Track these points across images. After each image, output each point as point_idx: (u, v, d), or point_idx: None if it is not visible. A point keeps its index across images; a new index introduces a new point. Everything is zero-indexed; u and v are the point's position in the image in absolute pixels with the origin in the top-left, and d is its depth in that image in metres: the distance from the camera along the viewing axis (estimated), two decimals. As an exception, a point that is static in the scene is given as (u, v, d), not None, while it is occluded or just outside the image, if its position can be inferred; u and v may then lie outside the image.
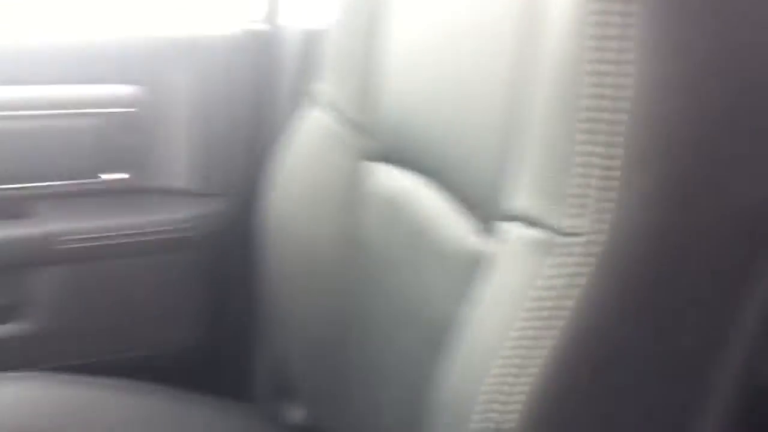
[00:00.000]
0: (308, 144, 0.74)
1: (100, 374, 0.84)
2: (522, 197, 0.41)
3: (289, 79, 0.97)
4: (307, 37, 0.94)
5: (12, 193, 0.95)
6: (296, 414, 0.96)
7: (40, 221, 0.94)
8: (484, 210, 0.46)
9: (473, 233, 0.47)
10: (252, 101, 1.03)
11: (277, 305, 0.83)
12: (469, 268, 0.45)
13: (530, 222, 0.40)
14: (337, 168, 0.69)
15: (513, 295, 0.40)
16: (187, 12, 1.10)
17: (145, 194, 1.03)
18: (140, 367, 0.86)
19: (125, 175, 1.02)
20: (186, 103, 1.01)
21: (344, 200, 0.68)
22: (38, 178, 0.97)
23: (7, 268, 0.94)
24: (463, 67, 0.50)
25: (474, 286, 0.43)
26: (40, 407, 0.81)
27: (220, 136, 1.02)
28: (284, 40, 1.01)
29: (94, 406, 0.82)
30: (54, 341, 0.98)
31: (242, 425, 0.88)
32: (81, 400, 0.83)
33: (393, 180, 0.62)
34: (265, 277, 0.83)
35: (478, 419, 0.37)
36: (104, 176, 1.00)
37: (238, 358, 1.13)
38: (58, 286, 0.96)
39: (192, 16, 1.08)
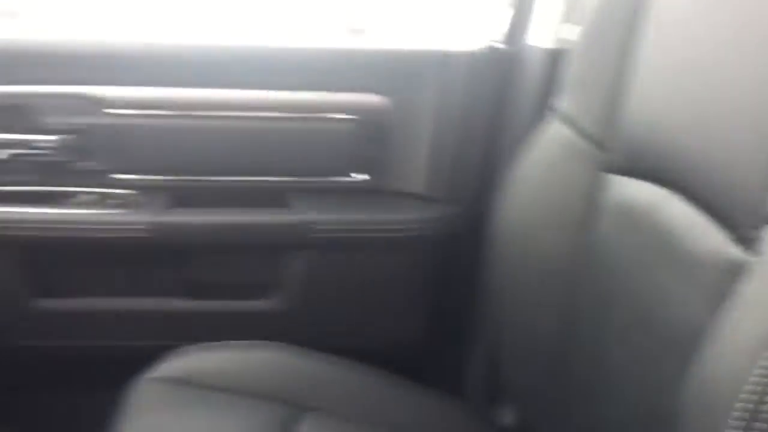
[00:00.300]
0: (546, 156, 0.77)
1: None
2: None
3: (528, 95, 1.01)
4: (549, 57, 0.98)
5: (276, 184, 1.10)
6: (507, 416, 1.00)
7: (298, 211, 1.08)
8: (741, 220, 0.47)
9: (725, 242, 0.48)
10: (489, 115, 1.08)
11: (499, 309, 0.87)
12: (721, 275, 0.46)
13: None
14: (575, 179, 0.72)
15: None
16: (433, 29, 1.19)
17: (382, 194, 1.13)
18: (361, 354, 0.94)
19: (366, 177, 1.13)
20: (428, 114, 1.09)
21: (579, 210, 0.70)
22: (297, 173, 1.11)
23: (268, 249, 1.09)
24: (732, 80, 0.51)
25: (726, 292, 0.44)
26: (280, 372, 0.93)
27: (458, 147, 1.09)
28: (524, 59, 1.05)
29: (324, 378, 0.92)
30: (296, 318, 1.11)
31: (454, 420, 0.93)
32: (314, 371, 0.93)
33: (631, 191, 0.64)
34: (489, 280, 0.87)
35: (736, 425, 0.38)
36: (352, 176, 1.12)
37: (453, 356, 1.19)
38: (307, 270, 1.09)
39: (437, 32, 1.17)
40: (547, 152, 0.78)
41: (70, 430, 1.14)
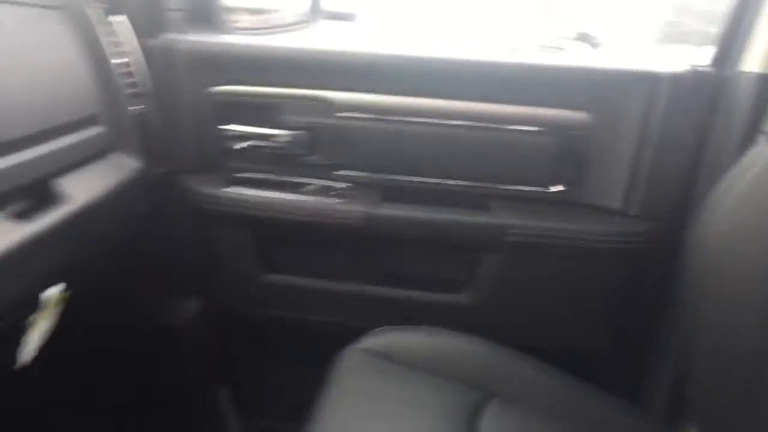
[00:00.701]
0: (756, 176, 0.79)
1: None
2: None
3: (737, 118, 1.02)
4: (760, 82, 0.98)
5: (479, 189, 1.19)
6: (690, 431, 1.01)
7: (496, 215, 1.16)
8: None
9: None
10: (692, 135, 1.10)
11: (692, 324, 0.89)
12: None
13: None
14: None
15: None
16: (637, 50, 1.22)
17: (578, 206, 1.18)
18: (543, 354, 0.99)
19: (563, 188, 1.18)
20: (630, 132, 1.13)
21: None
22: (499, 181, 1.19)
23: (466, 247, 1.18)
24: None
25: None
26: (470, 358, 1.01)
27: (657, 165, 1.12)
28: (733, 83, 1.05)
29: (510, 369, 0.99)
30: (485, 313, 1.19)
31: (634, 427, 0.96)
32: (501, 361, 1.01)
33: None
34: (682, 296, 0.89)
35: None
36: (550, 187, 1.18)
37: (633, 367, 1.21)
38: (500, 270, 1.17)
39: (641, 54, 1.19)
40: (757, 173, 0.80)
41: (281, 395, 1.30)
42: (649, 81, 1.11)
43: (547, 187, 1.18)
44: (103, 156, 1.01)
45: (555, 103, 1.16)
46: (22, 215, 0.77)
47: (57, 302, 0.84)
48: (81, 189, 0.90)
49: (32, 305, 0.81)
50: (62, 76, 0.94)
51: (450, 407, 0.92)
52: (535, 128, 1.16)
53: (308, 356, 1.10)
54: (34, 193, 0.82)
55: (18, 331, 0.79)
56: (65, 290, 0.86)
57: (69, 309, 0.88)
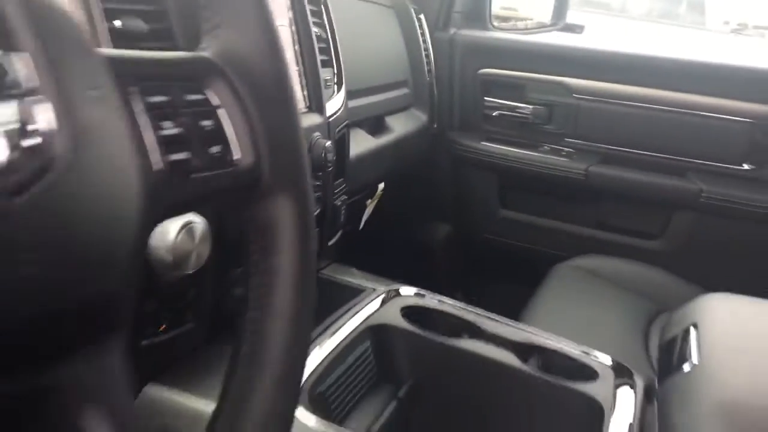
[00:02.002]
0: None
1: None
2: None
3: None
4: None
5: (680, 162, 1.49)
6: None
7: (691, 181, 1.47)
8: None
9: None
10: None
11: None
12: None
13: None
14: None
15: None
16: None
17: (761, 182, 1.44)
18: None
19: (753, 166, 1.46)
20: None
21: None
22: (697, 157, 1.49)
23: (664, 205, 1.50)
24: None
25: None
26: (652, 281, 1.35)
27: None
28: None
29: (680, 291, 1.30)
30: (673, 260, 1.49)
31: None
32: (676, 286, 1.33)
33: None
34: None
35: None
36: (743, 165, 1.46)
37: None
38: (689, 226, 1.48)
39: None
40: None
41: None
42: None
43: (739, 164, 1.47)
44: (406, 109, 1.48)
45: (749, 98, 1.44)
46: (374, 133, 1.25)
47: (380, 194, 1.33)
48: (398, 125, 1.37)
49: (372, 191, 1.29)
50: (391, 53, 1.43)
51: (632, 313, 1.26)
52: (732, 117, 1.45)
53: (525, 277, 1.49)
54: (375, 124, 1.31)
55: (362, 206, 1.27)
56: (383, 188, 1.34)
57: (379, 201, 1.36)
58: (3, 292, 0.25)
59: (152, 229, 0.36)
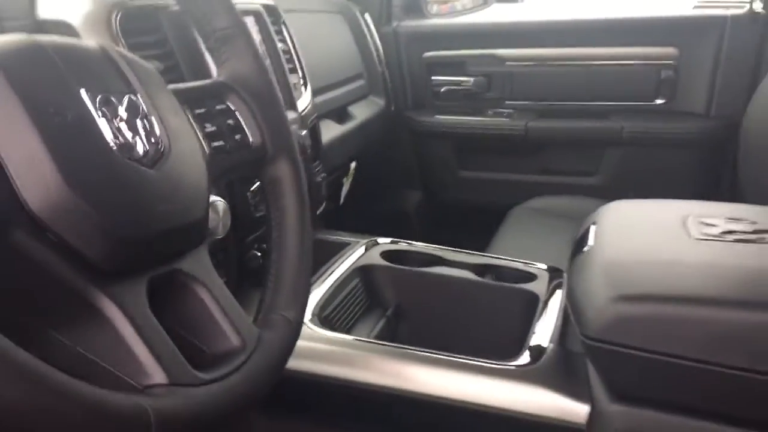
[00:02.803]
0: None
1: None
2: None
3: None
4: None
5: (603, 107, 1.74)
6: None
7: (614, 121, 1.72)
8: None
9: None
10: (751, 56, 1.59)
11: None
12: None
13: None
14: None
15: None
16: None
17: (673, 113, 1.70)
18: None
19: (663, 101, 1.71)
20: (708, 60, 1.63)
21: None
22: (616, 99, 1.74)
23: (594, 145, 1.75)
24: None
25: None
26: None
27: (727, 78, 1.61)
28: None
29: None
30: (609, 191, 1.75)
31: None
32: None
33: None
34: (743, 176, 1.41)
35: None
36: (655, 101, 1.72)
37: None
38: (619, 160, 1.73)
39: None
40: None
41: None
42: (718, 22, 1.62)
43: (652, 100, 1.72)
44: (365, 97, 1.72)
45: (654, 43, 1.69)
46: (340, 121, 1.49)
47: (353, 171, 1.57)
48: (359, 112, 1.61)
49: (346, 170, 1.53)
50: (344, 52, 1.66)
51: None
52: (642, 61, 1.70)
53: (487, 224, 1.72)
54: (339, 114, 1.54)
55: (339, 183, 1.51)
56: (355, 166, 1.58)
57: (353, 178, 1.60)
58: (150, 219, 0.49)
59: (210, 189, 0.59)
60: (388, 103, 1.82)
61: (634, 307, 0.76)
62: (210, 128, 0.60)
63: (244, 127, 0.63)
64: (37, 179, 0.43)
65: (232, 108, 0.63)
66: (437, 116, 1.86)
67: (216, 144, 0.60)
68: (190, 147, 0.55)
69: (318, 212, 1.21)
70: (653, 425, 0.78)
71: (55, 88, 0.46)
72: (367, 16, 1.82)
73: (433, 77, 1.86)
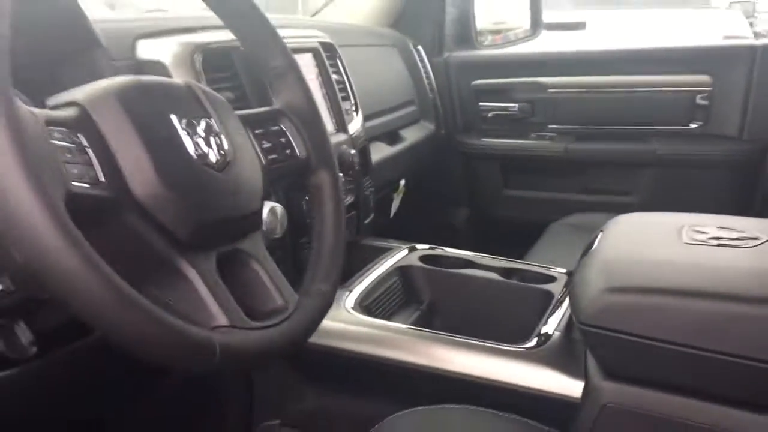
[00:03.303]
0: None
1: None
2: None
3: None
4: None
5: (640, 130, 1.86)
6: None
7: (650, 143, 1.83)
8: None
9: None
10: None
11: None
12: None
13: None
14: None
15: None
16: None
17: (708, 137, 1.80)
18: None
19: (699, 124, 1.81)
20: (740, 86, 1.73)
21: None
22: (652, 123, 1.85)
23: (630, 166, 1.87)
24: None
25: None
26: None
27: (759, 103, 1.71)
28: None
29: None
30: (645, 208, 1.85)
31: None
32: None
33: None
34: None
35: None
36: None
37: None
38: (653, 180, 1.84)
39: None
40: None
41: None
42: (750, 51, 1.72)
43: (687, 124, 1.82)
44: (416, 122, 1.89)
45: (688, 71, 1.80)
46: (391, 143, 1.67)
47: (403, 188, 1.74)
48: (410, 135, 1.78)
49: (395, 186, 1.70)
50: (397, 80, 1.84)
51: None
52: (678, 88, 1.81)
53: (528, 239, 1.85)
54: (391, 136, 1.72)
55: (390, 198, 1.68)
56: (405, 183, 1.75)
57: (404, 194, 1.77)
58: (218, 209, 0.67)
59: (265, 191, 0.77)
60: (438, 127, 1.98)
61: (623, 297, 0.90)
62: (266, 144, 0.78)
63: (293, 144, 0.81)
64: (142, 178, 0.61)
65: (284, 129, 0.81)
66: (484, 139, 2.02)
67: (270, 156, 0.78)
68: (249, 158, 0.72)
69: (366, 221, 1.38)
70: (638, 399, 0.90)
71: (154, 114, 0.65)
72: (420, 48, 2.00)
73: (480, 103, 2.02)
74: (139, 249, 0.62)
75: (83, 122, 0.60)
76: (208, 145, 0.67)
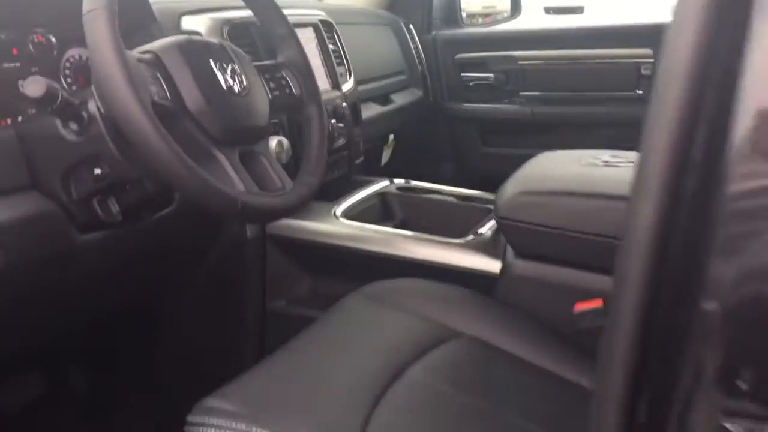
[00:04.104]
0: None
1: None
2: None
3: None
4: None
5: (592, 95, 2.20)
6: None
7: (603, 106, 2.17)
8: None
9: None
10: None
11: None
12: None
13: None
14: None
15: None
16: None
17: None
18: None
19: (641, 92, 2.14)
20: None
21: None
22: (605, 90, 2.19)
23: (586, 127, 2.22)
24: None
25: None
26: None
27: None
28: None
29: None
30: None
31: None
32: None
33: None
34: None
35: None
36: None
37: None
38: (608, 138, 2.18)
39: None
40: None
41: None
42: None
43: (634, 91, 2.16)
44: (406, 88, 2.25)
45: (635, 45, 2.13)
46: (382, 104, 2.03)
47: (392, 142, 2.10)
48: (399, 99, 2.15)
49: (385, 140, 2.07)
50: (389, 53, 2.20)
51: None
52: (625, 60, 2.15)
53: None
54: (382, 99, 2.08)
55: (380, 150, 2.04)
56: (393, 138, 2.11)
57: (394, 150, 2.13)
58: (240, 121, 1.03)
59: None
60: (426, 94, 2.34)
61: (529, 198, 1.26)
62: (272, 85, 1.15)
63: (291, 86, 1.18)
64: (192, 98, 0.97)
65: (285, 76, 1.18)
66: (465, 104, 2.38)
67: (275, 93, 1.15)
68: (260, 91, 1.09)
69: (357, 162, 1.75)
70: (539, 271, 1.26)
71: (200, 59, 1.02)
72: (411, 27, 2.35)
73: (462, 74, 2.38)
74: (189, 142, 0.98)
75: (157, 63, 0.97)
76: (233, 80, 1.04)
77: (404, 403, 0.97)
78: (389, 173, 2.09)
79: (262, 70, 1.15)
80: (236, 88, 1.04)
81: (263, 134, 1.10)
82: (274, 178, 1.07)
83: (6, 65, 1.07)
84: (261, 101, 1.09)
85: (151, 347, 1.56)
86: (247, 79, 1.07)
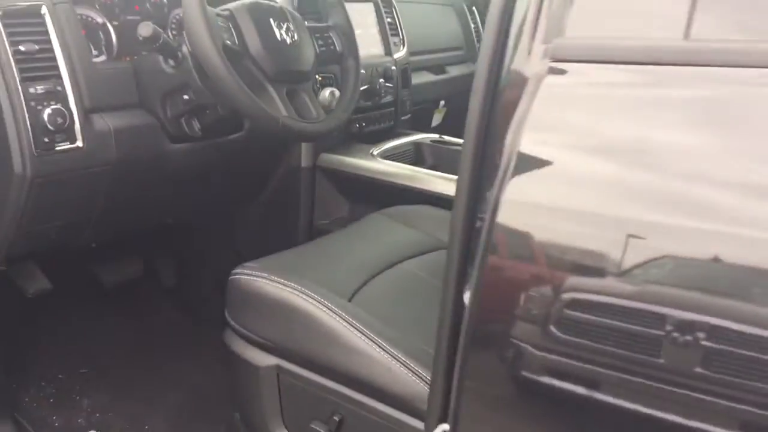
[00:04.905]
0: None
1: None
2: None
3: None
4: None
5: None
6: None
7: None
8: None
9: None
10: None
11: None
12: None
13: None
14: None
15: None
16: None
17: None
18: None
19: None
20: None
21: None
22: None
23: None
24: None
25: None
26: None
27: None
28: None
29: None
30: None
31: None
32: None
33: None
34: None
35: None
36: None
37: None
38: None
39: None
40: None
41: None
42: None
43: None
44: (462, 63, 2.55)
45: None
46: (436, 74, 2.35)
47: (443, 107, 2.41)
48: (454, 70, 2.45)
49: (436, 104, 2.38)
50: (448, 30, 2.51)
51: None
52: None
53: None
54: (436, 69, 2.39)
55: (431, 112, 2.36)
56: (444, 104, 2.42)
57: (445, 114, 2.44)
58: (291, 64, 1.39)
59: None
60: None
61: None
62: (321, 42, 1.50)
63: (336, 44, 1.53)
64: (254, 45, 1.34)
65: (331, 35, 1.53)
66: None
67: (321, 48, 1.50)
68: (308, 45, 1.44)
69: (403, 118, 2.07)
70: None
71: (262, 17, 1.37)
72: (474, 9, 2.65)
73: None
74: (249, 76, 1.34)
75: (231, 18, 1.34)
76: (287, 35, 1.40)
77: (391, 281, 1.31)
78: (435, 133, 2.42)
79: (313, 30, 1.50)
80: (288, 41, 1.39)
81: (307, 77, 1.45)
82: (312, 110, 1.42)
83: (129, 17, 1.46)
84: (307, 52, 1.44)
85: (227, 252, 1.96)
86: (298, 34, 1.42)
